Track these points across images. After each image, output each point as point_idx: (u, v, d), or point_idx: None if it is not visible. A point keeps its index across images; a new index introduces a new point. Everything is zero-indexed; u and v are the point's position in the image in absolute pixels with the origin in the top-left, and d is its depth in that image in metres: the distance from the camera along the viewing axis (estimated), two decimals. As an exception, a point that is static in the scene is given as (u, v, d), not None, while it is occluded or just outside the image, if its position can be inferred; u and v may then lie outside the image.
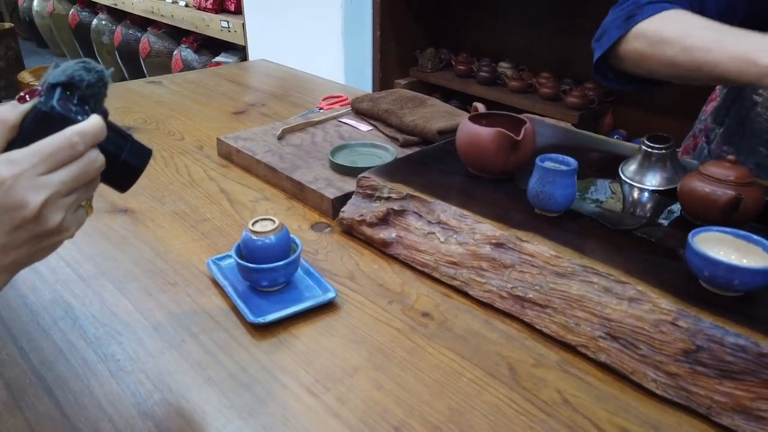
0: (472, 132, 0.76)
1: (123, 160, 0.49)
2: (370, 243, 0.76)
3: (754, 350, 0.48)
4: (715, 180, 0.66)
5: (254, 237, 0.63)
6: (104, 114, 0.47)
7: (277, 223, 0.64)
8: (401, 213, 0.74)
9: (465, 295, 0.66)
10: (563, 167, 0.67)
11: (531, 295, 0.61)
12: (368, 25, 2.20)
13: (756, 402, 0.48)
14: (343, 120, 1.08)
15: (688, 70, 0.71)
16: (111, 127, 0.48)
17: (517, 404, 0.52)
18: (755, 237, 0.56)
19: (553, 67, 2.11)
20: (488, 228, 0.66)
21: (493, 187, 0.76)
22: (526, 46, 2.25)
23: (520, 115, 0.83)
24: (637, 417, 0.51)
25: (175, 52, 3.03)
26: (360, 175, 0.79)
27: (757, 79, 0.64)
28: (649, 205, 0.74)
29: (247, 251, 0.63)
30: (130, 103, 1.25)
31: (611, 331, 0.56)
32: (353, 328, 0.62)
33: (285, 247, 0.64)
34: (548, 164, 0.68)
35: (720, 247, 0.58)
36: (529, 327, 0.61)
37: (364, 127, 1.05)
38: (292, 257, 0.63)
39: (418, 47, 2.35)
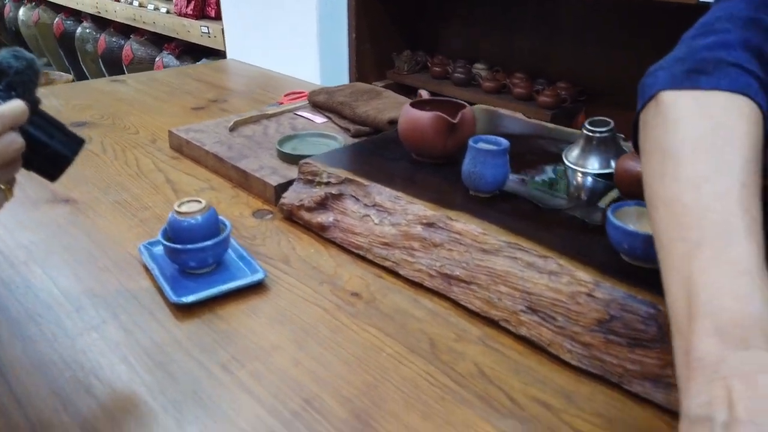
0: (411, 116, 0.76)
1: (52, 149, 0.49)
2: (309, 228, 0.75)
3: (664, 318, 0.48)
4: (646, 158, 0.66)
5: (180, 218, 0.62)
6: (35, 102, 0.47)
7: (204, 203, 0.63)
8: (339, 197, 0.73)
9: (396, 275, 0.66)
10: (494, 147, 0.67)
11: (458, 273, 0.61)
12: (344, 27, 2.21)
13: (665, 369, 0.48)
14: (299, 113, 1.08)
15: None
16: (41, 114, 0.48)
17: (433, 377, 0.52)
18: (675, 208, 0.56)
19: (527, 68, 2.12)
20: (420, 208, 0.66)
21: (434, 171, 0.76)
22: (501, 47, 2.26)
23: (463, 102, 0.83)
24: (552, 387, 0.50)
25: (157, 59, 3.04)
26: (301, 161, 0.78)
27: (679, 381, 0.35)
28: (590, 188, 0.73)
29: (173, 233, 0.63)
30: (90, 100, 1.24)
31: (531, 305, 0.55)
32: (280, 308, 0.61)
33: (213, 228, 0.64)
34: (480, 145, 0.68)
35: (642, 220, 0.58)
36: (456, 304, 0.61)
37: (319, 119, 1.05)
38: (219, 237, 0.63)
39: (395, 49, 2.35)
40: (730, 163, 0.39)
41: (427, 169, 0.77)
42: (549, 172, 0.76)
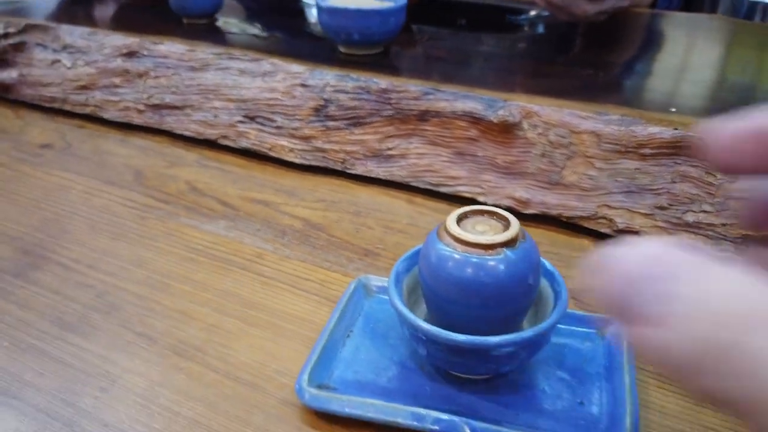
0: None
1: None
2: (-10, 93, 0.60)
3: (374, 88, 0.44)
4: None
5: None
6: None
7: None
8: (21, 47, 0.59)
9: (101, 120, 0.55)
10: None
11: (168, 99, 0.52)
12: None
13: (384, 142, 0.45)
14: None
15: None
16: None
17: (133, 201, 0.43)
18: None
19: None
20: (118, 38, 0.55)
21: (146, 11, 0.65)
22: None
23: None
24: (273, 188, 0.45)
25: None
26: (-31, 16, 0.62)
27: None
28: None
29: None
30: None
31: (248, 113, 0.49)
32: (-65, 171, 0.47)
33: None
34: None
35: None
36: (171, 136, 0.52)
37: None
38: None
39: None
40: None
41: (138, 9, 0.65)
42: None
